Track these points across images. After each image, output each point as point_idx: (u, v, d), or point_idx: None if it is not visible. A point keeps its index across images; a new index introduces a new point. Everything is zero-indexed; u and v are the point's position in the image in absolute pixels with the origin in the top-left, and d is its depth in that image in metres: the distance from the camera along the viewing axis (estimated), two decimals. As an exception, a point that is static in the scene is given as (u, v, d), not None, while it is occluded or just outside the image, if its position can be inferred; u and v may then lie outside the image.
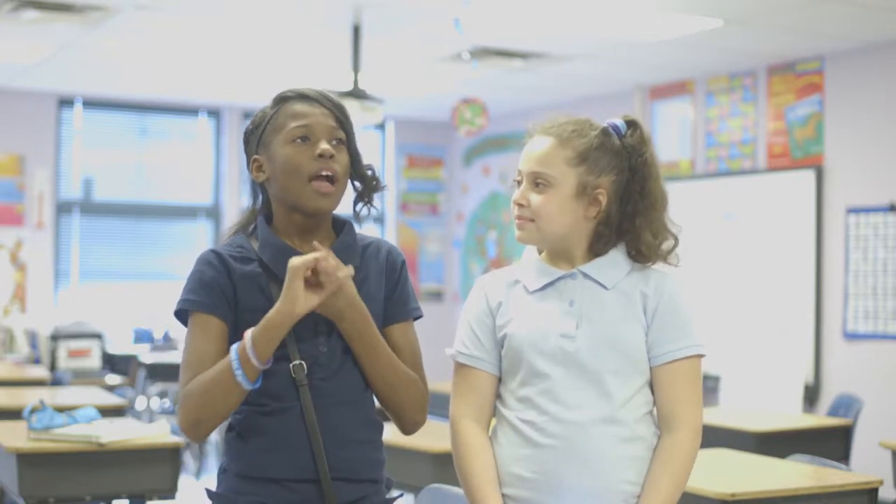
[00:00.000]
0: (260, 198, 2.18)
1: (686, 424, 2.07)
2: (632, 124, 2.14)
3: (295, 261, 1.97)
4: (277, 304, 1.98)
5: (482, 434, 2.13)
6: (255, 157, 2.12)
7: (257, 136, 2.12)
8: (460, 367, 2.17)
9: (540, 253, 2.18)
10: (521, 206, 2.11)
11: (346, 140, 2.12)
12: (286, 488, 2.03)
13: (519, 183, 2.13)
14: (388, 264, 2.16)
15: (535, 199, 2.09)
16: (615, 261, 2.12)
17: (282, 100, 2.12)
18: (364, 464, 2.09)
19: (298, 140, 2.07)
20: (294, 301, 1.96)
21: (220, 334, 2.06)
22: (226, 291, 2.06)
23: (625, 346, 2.05)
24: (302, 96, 2.11)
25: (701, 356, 2.10)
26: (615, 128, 2.13)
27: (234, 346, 1.99)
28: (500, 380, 2.15)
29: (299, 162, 2.06)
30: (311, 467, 2.02)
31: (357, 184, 2.16)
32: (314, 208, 2.07)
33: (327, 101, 2.12)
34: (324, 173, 2.06)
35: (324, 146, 2.06)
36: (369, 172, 2.15)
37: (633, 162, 2.11)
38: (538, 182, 2.09)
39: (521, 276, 2.16)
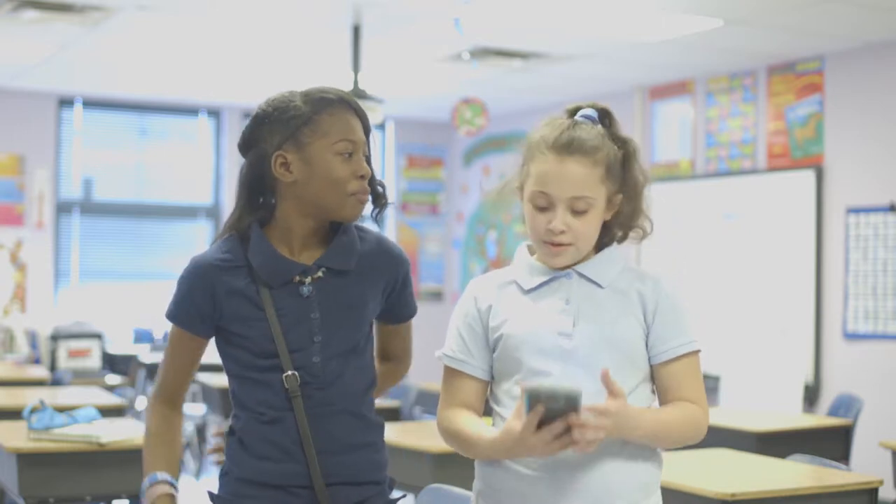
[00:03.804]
0: (258, 198, 2.10)
1: (697, 404, 2.08)
2: (604, 111, 2.13)
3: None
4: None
5: (469, 412, 2.11)
6: (280, 152, 2.05)
7: (288, 129, 2.05)
8: (448, 370, 2.16)
9: (532, 253, 2.17)
10: (561, 232, 2.04)
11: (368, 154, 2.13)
12: (287, 493, 2.03)
13: (542, 208, 2.06)
14: (391, 269, 2.16)
15: (577, 223, 2.04)
16: (609, 257, 2.12)
17: (324, 102, 2.06)
18: (365, 467, 2.09)
19: (346, 154, 2.05)
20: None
21: (192, 348, 2.11)
22: (201, 308, 2.07)
23: (623, 344, 2.05)
24: (343, 102, 2.08)
25: (699, 351, 2.11)
26: (591, 118, 2.11)
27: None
28: (488, 384, 2.13)
29: (344, 177, 2.05)
30: (308, 475, 2.02)
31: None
32: (352, 217, 2.09)
33: (361, 112, 2.10)
34: (362, 196, 2.08)
35: (365, 169, 2.07)
36: (380, 189, 2.15)
37: (624, 150, 2.11)
38: (579, 207, 2.04)
39: (516, 275, 2.15)
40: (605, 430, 1.89)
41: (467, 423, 2.07)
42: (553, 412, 1.84)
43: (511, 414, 1.95)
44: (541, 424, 1.86)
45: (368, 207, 2.14)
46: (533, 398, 1.84)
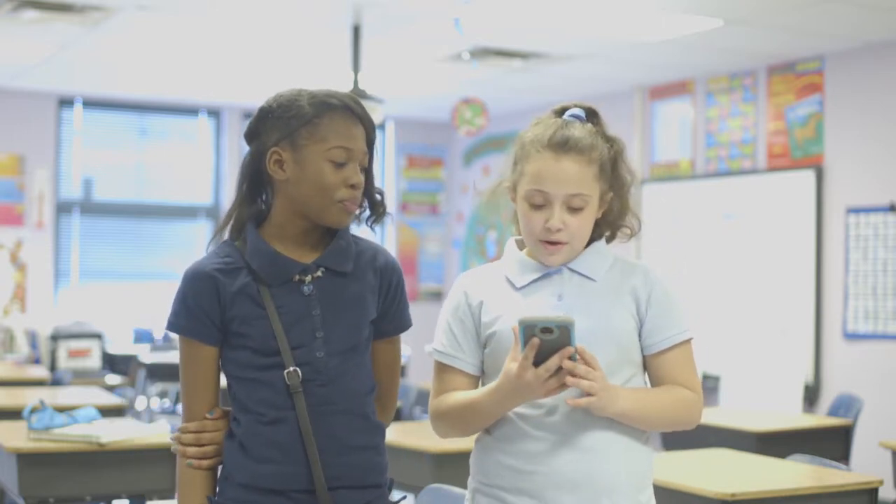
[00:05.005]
0: (249, 193, 2.10)
1: (691, 389, 2.09)
2: (591, 111, 2.14)
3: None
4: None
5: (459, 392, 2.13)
6: (276, 149, 2.05)
7: (287, 128, 2.05)
8: (438, 365, 2.17)
9: (521, 248, 2.18)
10: (559, 230, 2.06)
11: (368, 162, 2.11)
12: (289, 498, 2.01)
13: (538, 206, 2.07)
14: (385, 273, 2.14)
15: (573, 221, 2.06)
16: (598, 251, 2.13)
17: (327, 106, 2.05)
18: (367, 470, 2.07)
19: (340, 162, 2.04)
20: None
21: (207, 358, 2.07)
22: (210, 314, 2.05)
23: (617, 337, 2.06)
24: (348, 109, 2.06)
25: (692, 339, 2.13)
26: (579, 118, 2.12)
27: None
28: (479, 379, 2.14)
29: (333, 184, 2.03)
30: (310, 477, 2.01)
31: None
32: (337, 224, 2.07)
33: (367, 121, 2.08)
34: (350, 205, 2.06)
35: (357, 178, 2.05)
36: (378, 197, 2.13)
37: (612, 149, 2.12)
38: (575, 204, 2.06)
39: (506, 271, 2.15)
40: (597, 379, 1.94)
41: (459, 395, 2.10)
42: (548, 345, 1.90)
43: (507, 358, 1.98)
44: (537, 364, 1.92)
45: (365, 214, 2.14)
46: (528, 330, 1.90)
